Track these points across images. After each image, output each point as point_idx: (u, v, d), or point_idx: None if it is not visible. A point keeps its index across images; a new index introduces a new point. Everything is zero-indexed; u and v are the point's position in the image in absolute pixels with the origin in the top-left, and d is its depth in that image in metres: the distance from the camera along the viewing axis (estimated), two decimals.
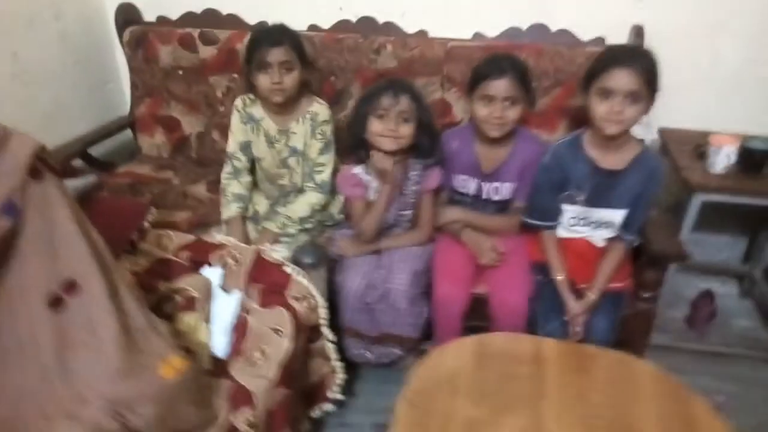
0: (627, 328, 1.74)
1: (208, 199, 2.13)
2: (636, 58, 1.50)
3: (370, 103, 1.69)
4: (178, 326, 1.38)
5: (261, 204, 1.99)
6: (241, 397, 1.28)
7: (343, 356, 1.77)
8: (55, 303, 1.06)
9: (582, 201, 1.68)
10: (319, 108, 1.90)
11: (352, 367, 1.92)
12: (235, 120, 1.94)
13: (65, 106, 2.32)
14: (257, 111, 1.91)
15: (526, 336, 1.49)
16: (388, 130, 1.68)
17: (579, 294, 1.68)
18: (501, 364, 1.37)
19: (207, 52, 2.29)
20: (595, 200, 1.67)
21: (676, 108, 2.15)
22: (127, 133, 2.50)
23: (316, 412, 1.68)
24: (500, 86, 1.68)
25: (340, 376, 1.68)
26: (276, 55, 1.75)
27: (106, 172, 2.32)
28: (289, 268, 1.58)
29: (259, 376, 1.34)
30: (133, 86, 2.42)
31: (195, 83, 2.35)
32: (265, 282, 1.55)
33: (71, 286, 1.07)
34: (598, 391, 1.30)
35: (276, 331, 1.44)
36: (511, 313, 1.70)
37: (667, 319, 2.31)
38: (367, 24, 2.27)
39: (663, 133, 2.12)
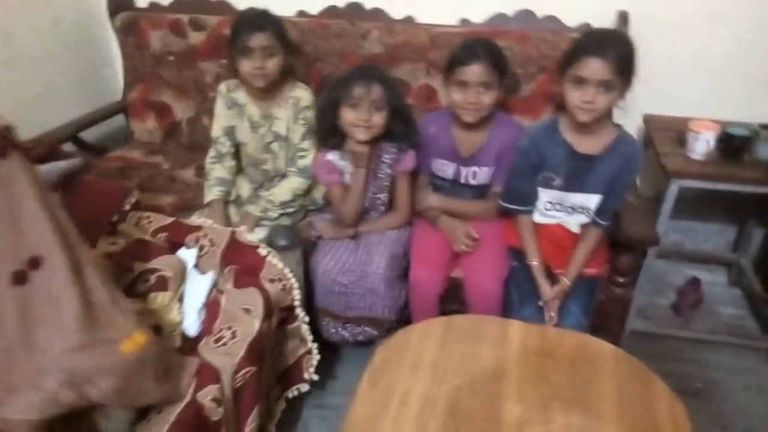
0: (602, 313, 1.75)
1: (195, 184, 2.16)
2: (610, 46, 1.49)
3: (342, 91, 1.71)
4: (150, 305, 1.41)
5: (244, 188, 2.02)
6: (208, 374, 1.31)
7: (321, 338, 1.81)
8: (20, 278, 1.09)
9: (558, 185, 1.68)
10: (302, 93, 1.92)
11: (332, 350, 1.95)
12: (219, 105, 1.97)
13: (57, 90, 2.35)
14: (241, 96, 1.93)
15: (494, 318, 1.50)
16: (360, 119, 1.70)
17: (554, 279, 1.69)
18: (465, 345, 1.38)
19: (196, 37, 2.32)
20: (571, 184, 1.67)
21: (661, 94, 2.15)
22: (122, 118, 2.53)
23: (292, 393, 1.70)
24: (474, 71, 1.68)
25: (315, 357, 1.70)
26: (258, 40, 1.76)
27: (97, 156, 2.36)
28: (263, 250, 1.61)
29: (227, 354, 1.36)
30: (126, 72, 2.46)
31: (185, 69, 2.38)
32: (240, 263, 1.58)
33: (35, 261, 1.09)
34: (559, 371, 1.31)
35: (247, 311, 1.46)
36: (485, 297, 1.72)
37: (654, 306, 2.32)
38: (354, 10, 2.28)
39: (647, 119, 2.12)
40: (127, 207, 1.70)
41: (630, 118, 2.10)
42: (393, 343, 1.40)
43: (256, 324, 1.44)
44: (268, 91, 1.88)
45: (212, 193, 1.92)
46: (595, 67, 1.49)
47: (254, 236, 1.67)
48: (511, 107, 2.11)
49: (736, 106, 2.11)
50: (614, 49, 1.49)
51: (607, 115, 1.60)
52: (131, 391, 1.13)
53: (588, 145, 1.63)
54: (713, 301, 2.33)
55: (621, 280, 1.73)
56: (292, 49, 1.91)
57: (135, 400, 1.15)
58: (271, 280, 1.57)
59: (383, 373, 1.30)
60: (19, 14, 2.15)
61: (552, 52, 2.02)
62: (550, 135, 1.65)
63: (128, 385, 1.12)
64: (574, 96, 1.54)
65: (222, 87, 1.96)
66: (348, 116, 1.72)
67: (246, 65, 1.79)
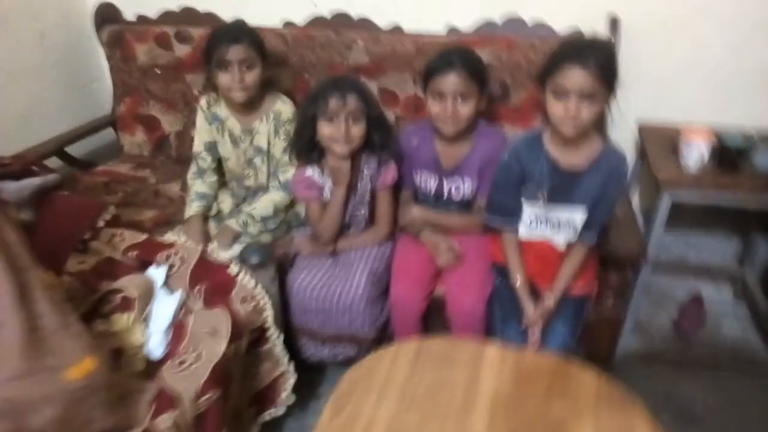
0: (592, 334, 1.67)
1: (179, 198, 2.12)
2: (591, 54, 1.42)
3: (317, 105, 1.66)
4: (113, 327, 1.37)
5: (226, 203, 1.98)
6: (167, 400, 1.26)
7: (301, 358, 1.75)
8: None
9: (542, 200, 1.61)
10: (283, 106, 1.88)
11: (315, 369, 1.90)
12: (200, 120, 1.93)
13: (44, 105, 2.34)
14: (221, 110, 1.90)
15: (470, 341, 1.43)
16: (338, 133, 1.65)
17: (539, 298, 1.62)
18: (438, 369, 1.32)
19: (182, 50, 2.29)
20: (556, 200, 1.60)
21: (656, 100, 2.09)
22: (113, 132, 2.51)
23: (267, 416, 1.65)
24: (450, 81, 1.63)
25: (291, 379, 1.65)
26: (235, 52, 1.73)
27: (85, 171, 2.34)
28: (234, 269, 1.56)
29: (189, 378, 1.31)
30: (114, 85, 2.44)
31: (172, 82, 2.35)
32: (210, 282, 1.53)
33: None
34: (535, 400, 1.24)
35: (212, 332, 1.41)
36: (468, 316, 1.65)
37: (654, 323, 2.22)
38: (341, 20, 2.23)
39: (642, 126, 2.04)
40: (101, 224, 1.67)
41: (624, 125, 2.08)
42: (361, 367, 1.34)
43: (221, 347, 1.39)
44: (249, 104, 1.85)
45: (191, 208, 1.89)
46: (576, 77, 1.42)
47: (226, 254, 1.63)
48: (499, 116, 2.05)
49: (733, 109, 2.04)
50: (595, 57, 1.42)
51: (593, 127, 1.52)
52: (76, 420, 1.08)
53: (572, 159, 1.56)
54: (717, 318, 2.22)
55: (610, 299, 1.65)
56: (271, 61, 1.87)
57: (80, 430, 1.10)
58: (242, 300, 1.52)
59: (348, 400, 1.24)
60: (4, 29, 2.14)
61: (541, 59, 1.93)
62: (532, 149, 1.59)
63: (72, 414, 1.07)
64: (556, 108, 1.47)
65: (202, 101, 1.93)
66: (325, 130, 1.67)
67: (224, 79, 1.76)
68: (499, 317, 1.63)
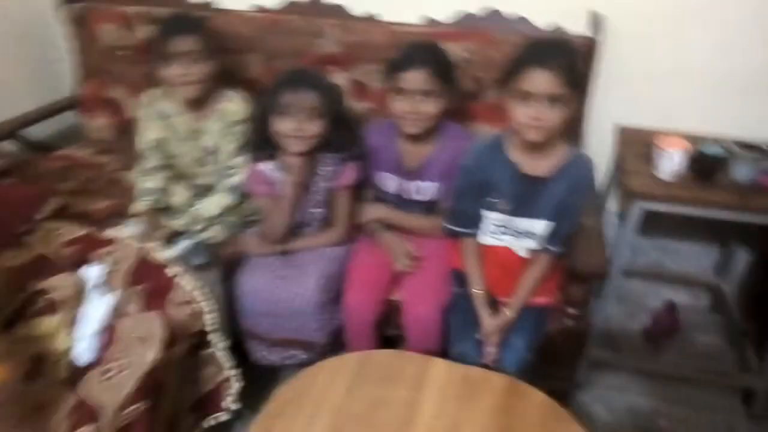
0: (554, 346, 1.59)
1: None
2: (555, 56, 1.33)
3: (272, 100, 1.56)
4: (34, 331, 1.29)
5: (178, 196, 1.87)
6: (88, 412, 1.19)
7: (249, 361, 1.68)
8: None
9: (504, 208, 1.52)
10: (233, 105, 1.77)
11: (269, 370, 1.82)
12: (143, 116, 1.83)
13: (3, 85, 2.24)
14: (167, 107, 1.79)
15: (415, 355, 1.35)
16: (293, 129, 1.55)
17: (499, 309, 1.54)
18: (377, 386, 1.25)
19: (146, 32, 2.18)
20: (519, 208, 1.51)
21: (638, 103, 1.99)
22: (76, 114, 2.41)
23: (209, 423, 1.58)
24: (413, 79, 1.54)
25: (235, 384, 1.58)
26: (181, 44, 1.63)
27: (40, 155, 2.24)
28: (172, 270, 1.48)
29: (113, 388, 1.24)
30: (77, 66, 2.34)
31: (137, 64, 2.24)
32: (148, 284, 1.46)
33: None
34: (475, 422, 1.17)
35: (144, 339, 1.33)
36: (423, 324, 1.58)
37: (625, 331, 2.15)
38: (314, 5, 2.12)
39: (619, 130, 1.94)
40: (39, 216, 1.58)
41: (603, 128, 1.99)
42: (296, 383, 1.27)
43: (150, 354, 1.31)
44: (198, 101, 1.74)
45: (139, 204, 1.79)
46: (541, 81, 1.33)
47: (166, 254, 1.54)
48: (473, 114, 1.95)
49: (717, 115, 1.93)
50: (560, 59, 1.33)
51: (559, 132, 1.43)
52: None
53: (537, 166, 1.48)
54: (691, 328, 2.15)
55: (572, 311, 1.57)
56: (236, 49, 1.77)
57: None
58: (179, 304, 1.44)
59: (275, 422, 1.17)
60: None
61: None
62: (495, 154, 1.50)
63: None
64: (520, 113, 1.38)
65: (143, 98, 1.83)
66: (279, 126, 1.58)
67: (169, 72, 1.66)
68: (454, 329, 1.56)
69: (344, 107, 1.69)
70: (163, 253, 1.53)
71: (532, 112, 1.36)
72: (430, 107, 1.59)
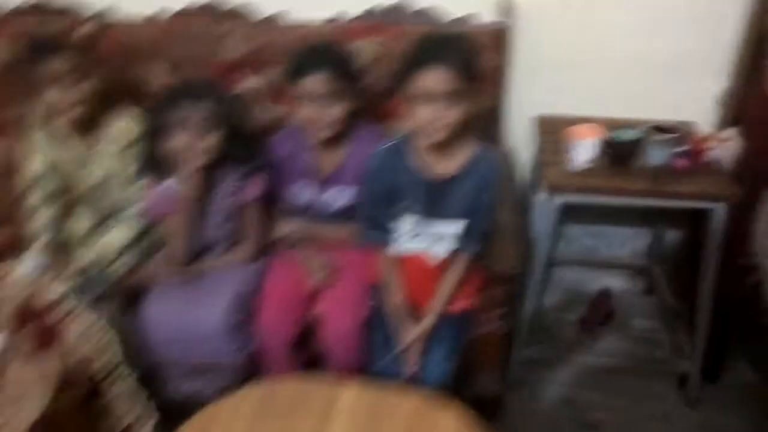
0: (480, 352, 1.55)
1: None
2: (446, 51, 1.28)
3: (164, 113, 1.46)
4: None
5: (79, 225, 1.75)
6: None
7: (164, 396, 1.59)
8: None
9: (415, 212, 1.46)
10: (124, 125, 1.66)
11: (192, 405, 1.73)
12: (34, 140, 1.70)
13: None
14: (58, 130, 1.67)
15: (324, 381, 1.29)
16: (186, 144, 1.46)
17: (418, 318, 1.48)
18: (282, 419, 1.18)
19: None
20: (429, 211, 1.45)
21: (557, 91, 1.94)
22: None
23: None
24: (312, 83, 1.46)
25: (150, 421, 1.48)
26: (52, 65, 1.51)
27: None
28: (65, 307, 1.37)
29: None
30: None
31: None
32: (39, 323, 1.35)
33: None
34: None
35: (35, 383, 1.23)
36: (343, 342, 1.51)
37: (560, 322, 2.12)
38: (214, 9, 2.01)
39: (538, 120, 1.90)
40: None
41: (523, 118, 1.95)
42: (198, 422, 1.18)
43: (40, 402, 1.21)
44: (86, 124, 1.63)
45: (36, 239, 1.66)
46: (434, 79, 1.27)
47: (59, 289, 1.43)
48: (388, 112, 1.88)
49: (633, 98, 1.90)
50: (452, 54, 1.28)
51: (462, 129, 1.37)
52: None
53: (442, 166, 1.42)
54: (626, 314, 2.13)
55: (495, 312, 1.52)
56: (97, 72, 1.64)
57: None
58: (77, 341, 1.35)
59: None
60: None
61: None
62: (396, 158, 1.44)
63: None
64: (418, 114, 1.32)
65: (33, 122, 1.70)
66: (171, 142, 1.48)
67: (53, 96, 1.54)
68: (373, 346, 1.50)
69: (243, 117, 1.60)
70: (56, 290, 1.42)
71: (429, 112, 1.29)
72: (335, 111, 1.51)
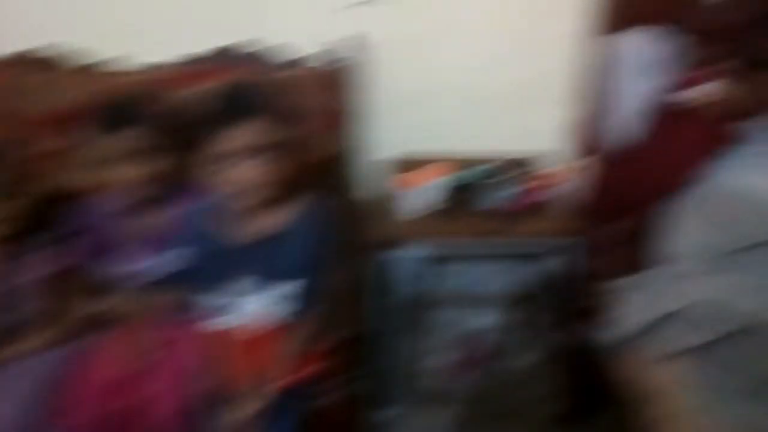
0: (323, 423, 1.40)
1: None
2: (244, 105, 1.18)
3: None
4: None
5: None
6: None
7: None
8: None
9: (242, 275, 1.31)
10: None
11: None
12: None
13: None
14: None
15: None
16: None
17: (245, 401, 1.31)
18: None
19: None
20: (258, 273, 1.31)
21: (410, 129, 1.88)
22: None
23: None
24: (119, 144, 1.32)
25: None
26: None
27: None
28: None
29: None
30: None
31: None
32: None
33: None
34: None
35: None
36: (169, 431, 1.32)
37: (433, 370, 2.01)
38: (27, 57, 1.81)
39: (395, 163, 1.81)
40: None
41: (371, 160, 1.86)
42: None
43: None
44: None
45: None
46: (241, 134, 1.14)
47: None
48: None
49: (485, 132, 1.88)
50: (252, 106, 1.17)
51: (291, 182, 1.25)
52: None
53: (266, 224, 1.29)
54: (501, 352, 2.06)
55: (341, 375, 1.39)
56: None
57: None
58: None
59: None
60: None
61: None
62: (207, 224, 1.29)
63: None
64: (221, 178, 1.19)
65: None
66: None
67: None
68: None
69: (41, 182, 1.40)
70: None
71: (233, 174, 1.16)
72: (146, 169, 1.35)
